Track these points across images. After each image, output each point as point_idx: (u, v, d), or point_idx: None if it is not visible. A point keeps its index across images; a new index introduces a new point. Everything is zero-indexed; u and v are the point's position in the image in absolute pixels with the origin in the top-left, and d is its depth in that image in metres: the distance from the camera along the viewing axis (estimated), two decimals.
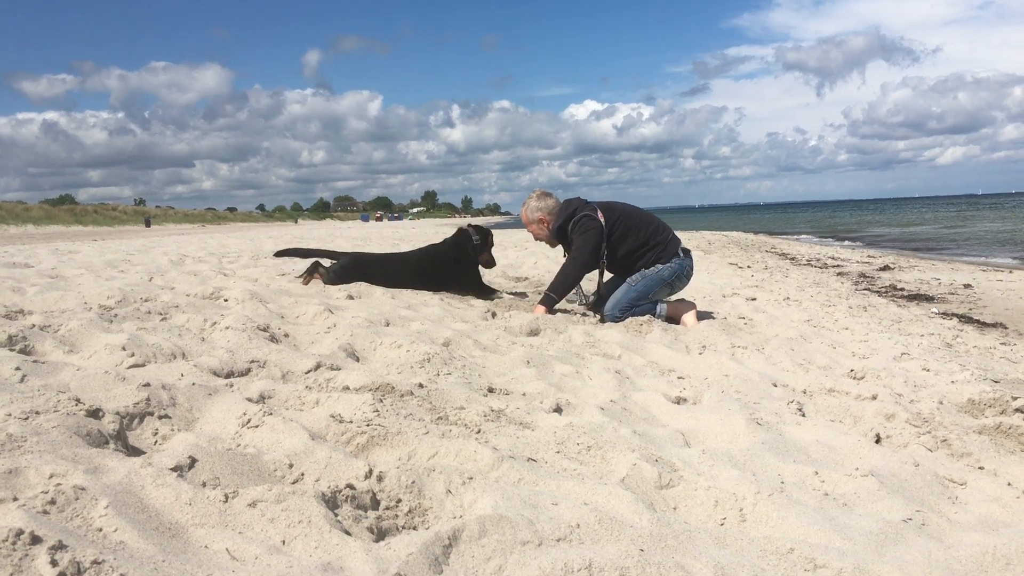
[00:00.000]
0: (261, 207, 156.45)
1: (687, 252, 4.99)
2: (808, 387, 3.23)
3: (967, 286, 9.37)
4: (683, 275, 4.91)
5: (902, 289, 9.10)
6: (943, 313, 7.03)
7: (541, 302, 4.77)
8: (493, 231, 6.05)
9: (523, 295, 5.66)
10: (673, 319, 4.81)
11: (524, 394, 2.75)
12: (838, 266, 12.81)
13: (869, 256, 15.62)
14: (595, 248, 4.79)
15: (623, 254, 4.86)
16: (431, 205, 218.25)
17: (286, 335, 3.43)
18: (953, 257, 15.84)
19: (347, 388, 2.51)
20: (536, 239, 5.19)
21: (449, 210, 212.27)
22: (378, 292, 5.04)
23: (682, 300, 5.00)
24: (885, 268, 12.25)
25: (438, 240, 6.11)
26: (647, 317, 4.57)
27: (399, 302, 4.73)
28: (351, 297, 4.79)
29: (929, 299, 8.18)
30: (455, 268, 5.60)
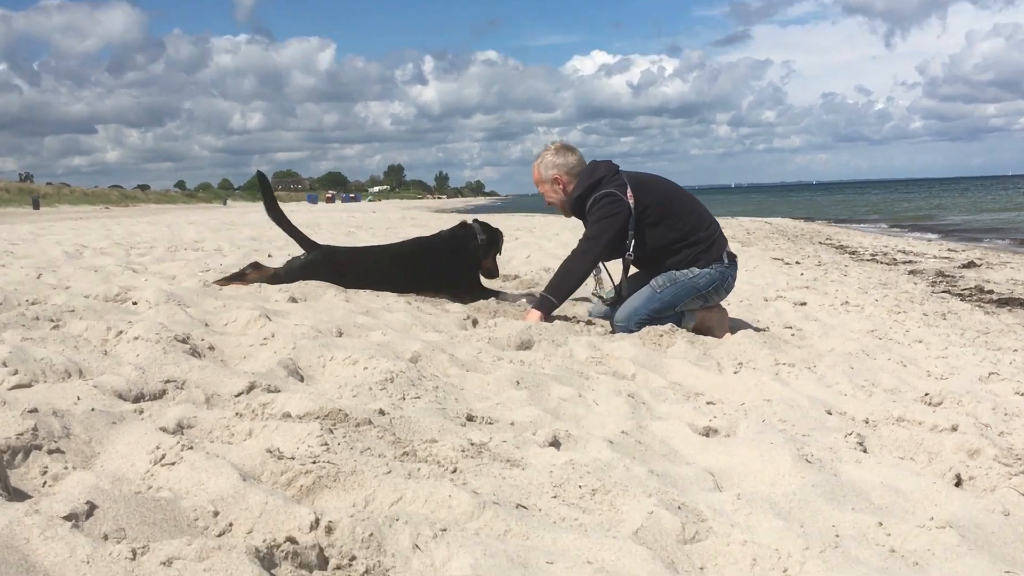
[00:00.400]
0: (181, 184, 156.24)
1: (732, 258, 4.99)
2: (871, 415, 3.25)
3: None
4: (722, 287, 4.91)
5: (991, 292, 9.16)
6: None
7: (535, 306, 4.78)
8: (478, 218, 6.05)
9: (514, 298, 5.67)
10: (702, 331, 4.82)
11: (512, 423, 2.76)
12: (910, 262, 12.89)
13: (949, 250, 15.71)
14: (615, 238, 4.80)
15: (653, 247, 4.86)
16: (397, 183, 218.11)
17: (211, 348, 3.42)
18: None
19: (288, 415, 2.51)
20: (548, 203, 5.19)
21: (419, 189, 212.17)
22: (329, 294, 5.04)
23: (713, 308, 5.00)
24: (969, 265, 12.33)
25: (405, 227, 6.11)
26: (668, 327, 4.59)
27: (355, 306, 4.73)
28: (294, 300, 4.79)
29: None
30: (450, 264, 5.59)
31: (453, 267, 5.63)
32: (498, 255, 5.91)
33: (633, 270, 5.04)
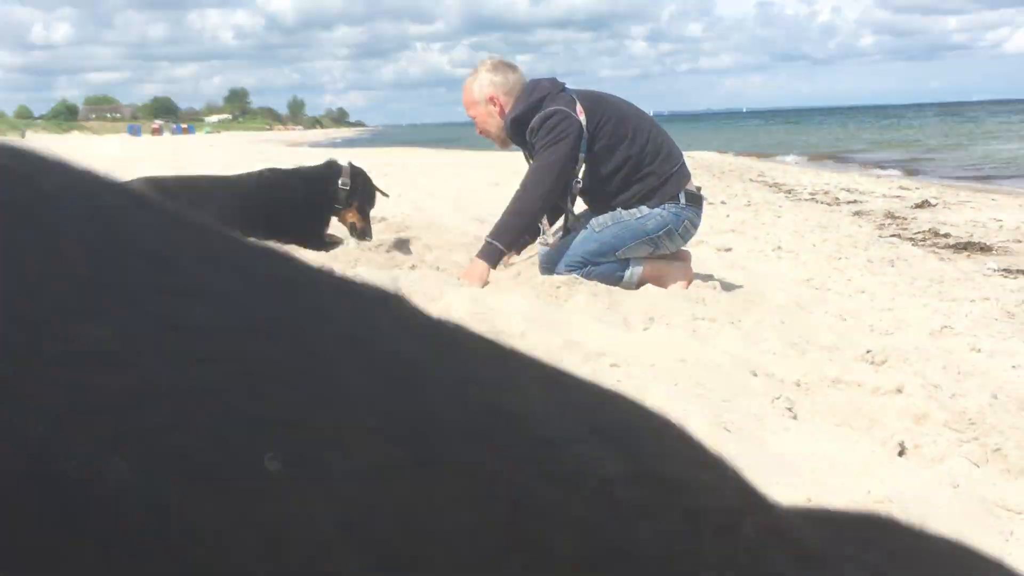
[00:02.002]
0: None
1: (694, 198, 4.90)
2: (804, 377, 3.30)
3: None
4: (676, 232, 4.83)
5: (946, 235, 9.45)
6: (1004, 270, 7.34)
7: (480, 254, 4.67)
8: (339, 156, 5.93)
9: (380, 246, 5.58)
10: (655, 284, 4.79)
11: None
12: (855, 202, 13.23)
13: (901, 188, 16.14)
14: (567, 165, 4.73)
15: (603, 177, 4.83)
16: (240, 111, 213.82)
17: None
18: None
19: None
20: (480, 132, 5.15)
21: (268, 118, 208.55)
22: None
23: (672, 257, 4.98)
24: (923, 204, 12.71)
25: (251, 166, 5.92)
26: (569, 277, 4.56)
27: None
28: None
29: (985, 249, 8.53)
30: (301, 212, 5.46)
31: (300, 213, 5.50)
32: (369, 209, 5.77)
33: (580, 206, 5.02)
